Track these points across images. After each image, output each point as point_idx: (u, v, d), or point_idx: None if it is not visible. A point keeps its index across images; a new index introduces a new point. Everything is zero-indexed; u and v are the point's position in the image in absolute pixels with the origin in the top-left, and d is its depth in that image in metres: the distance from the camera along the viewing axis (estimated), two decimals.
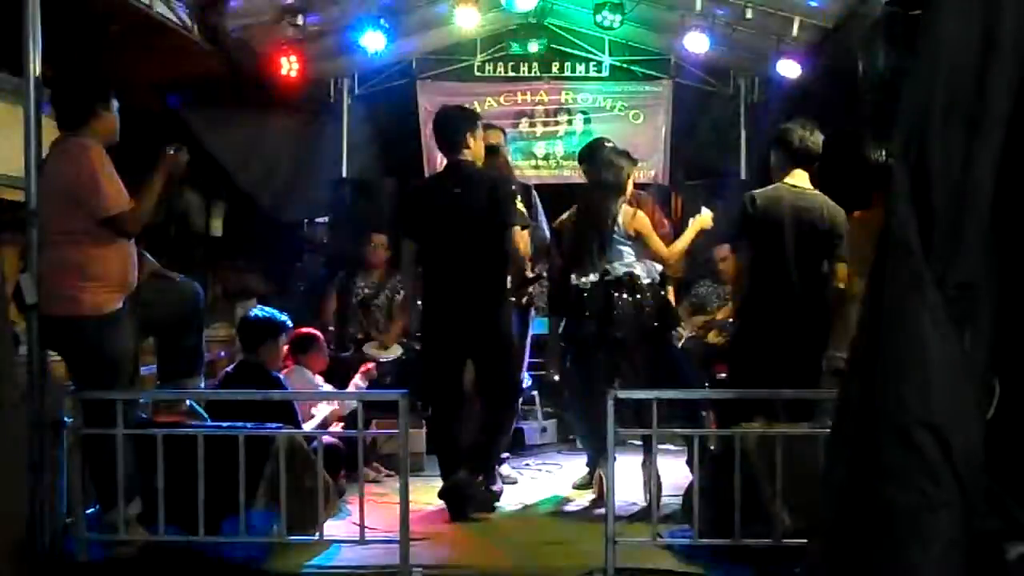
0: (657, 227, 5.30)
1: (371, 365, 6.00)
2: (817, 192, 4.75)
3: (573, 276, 5.10)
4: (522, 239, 4.96)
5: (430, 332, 5.11)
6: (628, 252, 5.05)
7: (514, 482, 5.64)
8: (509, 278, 5.10)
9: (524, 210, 5.06)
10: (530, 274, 5.46)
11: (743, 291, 4.81)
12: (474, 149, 5.05)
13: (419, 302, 5.17)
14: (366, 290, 6.72)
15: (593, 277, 5.00)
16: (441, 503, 4.86)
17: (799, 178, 4.75)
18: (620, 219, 5.06)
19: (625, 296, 4.95)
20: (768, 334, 4.69)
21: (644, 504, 4.81)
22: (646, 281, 5.03)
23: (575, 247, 5.15)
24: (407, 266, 5.23)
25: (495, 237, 4.88)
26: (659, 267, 5.16)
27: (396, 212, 5.53)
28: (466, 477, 4.85)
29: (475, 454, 4.99)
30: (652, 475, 4.68)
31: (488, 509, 4.97)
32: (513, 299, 5.26)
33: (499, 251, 4.91)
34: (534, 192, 5.86)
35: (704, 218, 5.27)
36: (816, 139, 4.71)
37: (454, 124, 5.09)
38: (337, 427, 5.46)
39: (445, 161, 5.23)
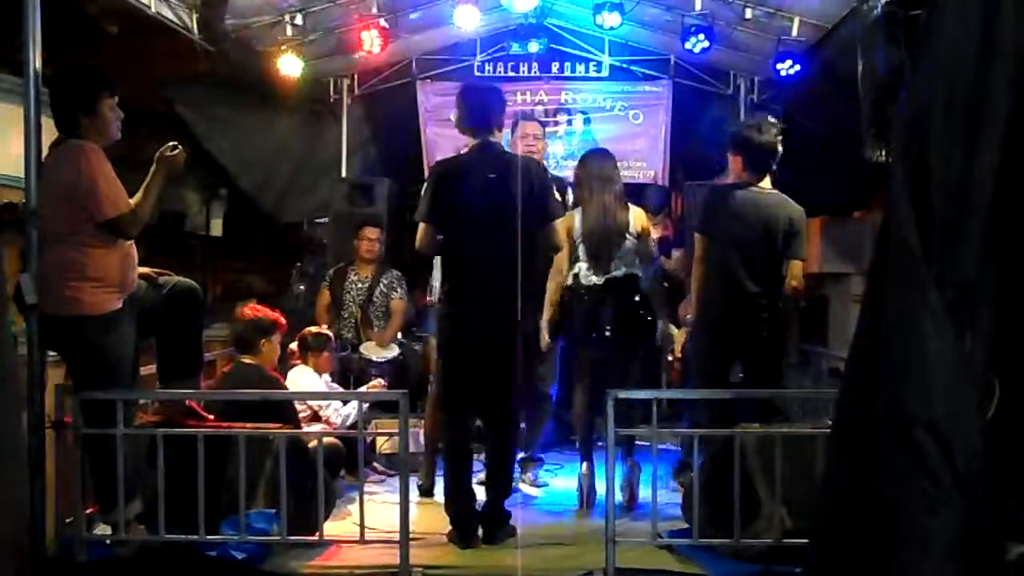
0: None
1: (377, 383, 5.99)
2: (774, 191, 4.82)
3: (582, 271, 5.09)
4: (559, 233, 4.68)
5: (453, 332, 4.59)
6: (633, 251, 5.14)
7: (544, 485, 5.59)
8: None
9: (560, 199, 4.71)
10: None
11: (698, 290, 4.88)
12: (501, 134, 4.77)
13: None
14: (359, 285, 6.69)
15: (599, 278, 5.03)
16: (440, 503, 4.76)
17: (756, 177, 4.80)
18: (631, 219, 5.15)
19: (622, 298, 5.02)
20: (722, 332, 4.75)
21: (624, 502, 4.84)
22: (644, 285, 5.12)
23: (594, 248, 5.09)
24: (429, 248, 4.65)
25: (535, 230, 4.49)
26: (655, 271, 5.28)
27: (422, 196, 4.65)
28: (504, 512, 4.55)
29: (502, 470, 4.64)
30: (635, 475, 4.72)
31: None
32: None
33: (538, 246, 4.55)
34: None
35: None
36: (773, 138, 4.77)
37: (491, 99, 4.68)
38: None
39: (474, 142, 4.63)
